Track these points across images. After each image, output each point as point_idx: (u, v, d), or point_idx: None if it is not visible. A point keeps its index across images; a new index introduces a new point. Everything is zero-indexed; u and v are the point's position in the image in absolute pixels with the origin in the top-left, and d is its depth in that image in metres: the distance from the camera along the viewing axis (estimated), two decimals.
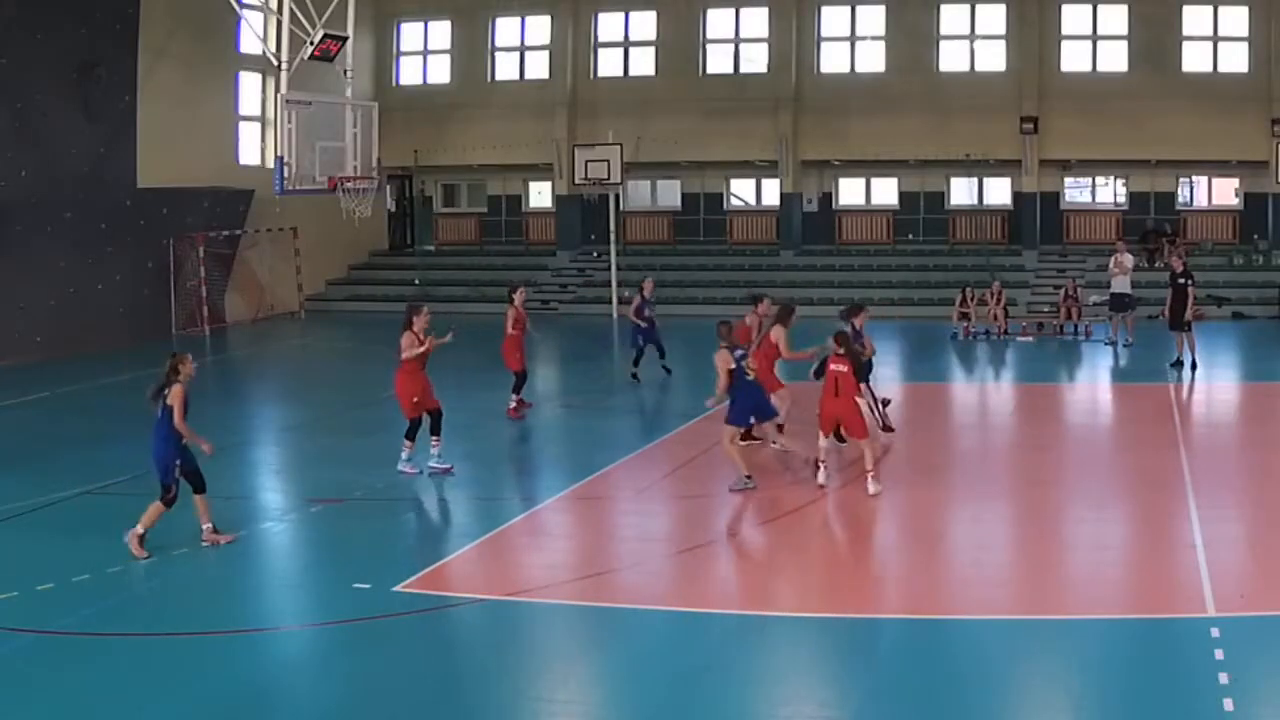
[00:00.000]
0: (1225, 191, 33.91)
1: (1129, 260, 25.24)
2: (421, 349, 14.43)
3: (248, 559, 11.88)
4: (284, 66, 22.51)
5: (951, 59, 33.72)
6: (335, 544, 12.13)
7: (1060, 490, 14.12)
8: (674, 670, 9.09)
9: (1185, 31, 32.07)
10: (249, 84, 32.26)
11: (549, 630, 10.01)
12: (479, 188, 38.98)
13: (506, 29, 36.64)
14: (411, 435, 14.58)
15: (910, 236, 35.10)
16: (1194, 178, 34.06)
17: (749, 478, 13.70)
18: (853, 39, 34.53)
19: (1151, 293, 27.94)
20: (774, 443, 15.33)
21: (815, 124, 34.21)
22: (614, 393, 21.14)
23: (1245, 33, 31.64)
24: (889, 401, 18.28)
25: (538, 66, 36.19)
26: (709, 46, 35.30)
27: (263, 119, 32.42)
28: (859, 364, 14.06)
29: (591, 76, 35.77)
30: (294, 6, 22.40)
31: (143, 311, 28.16)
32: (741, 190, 37.18)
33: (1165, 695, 8.27)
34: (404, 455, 14.62)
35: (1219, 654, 8.75)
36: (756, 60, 34.96)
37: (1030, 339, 26.85)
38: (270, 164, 26.22)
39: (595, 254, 35.34)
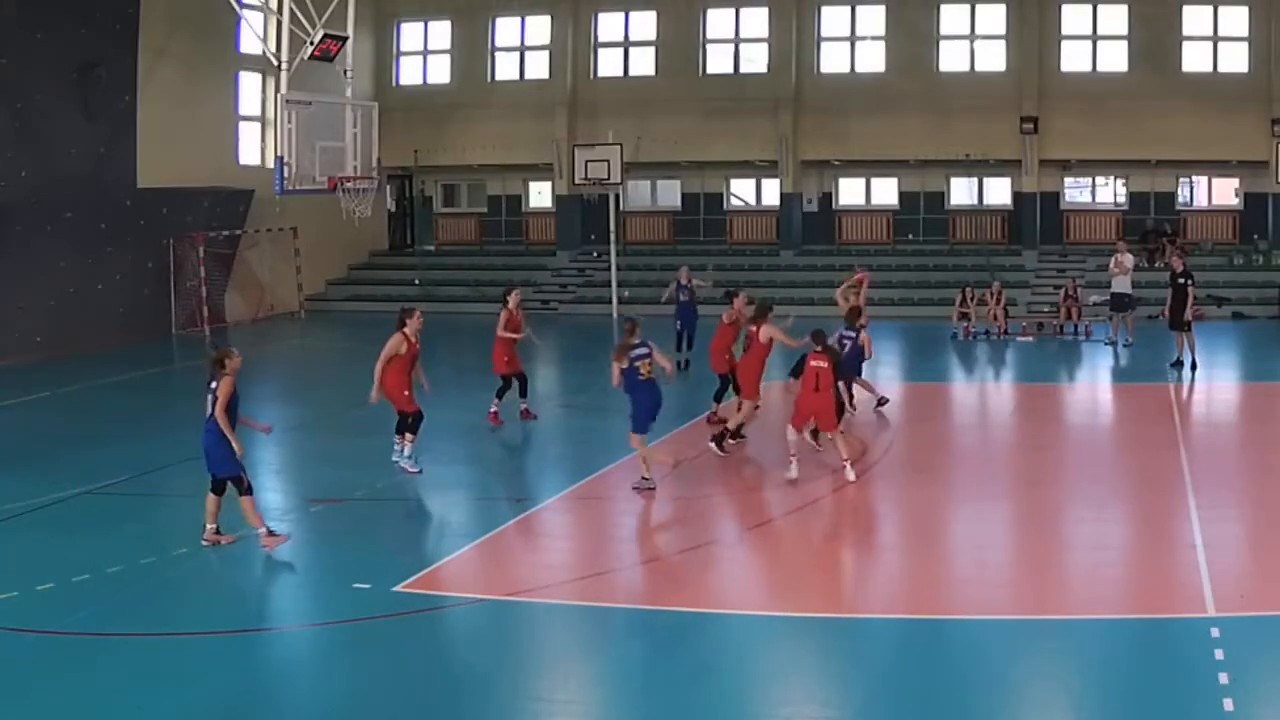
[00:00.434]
0: (1225, 191, 33.91)
1: (1129, 260, 25.24)
2: (405, 352, 14.32)
3: (248, 559, 11.88)
4: (284, 66, 22.50)
5: (951, 59, 33.72)
6: (335, 544, 12.12)
7: (1060, 490, 14.12)
8: (674, 670, 9.09)
9: (1185, 31, 32.06)
10: (249, 84, 32.25)
11: (548, 630, 10.02)
12: (479, 188, 38.98)
13: (506, 29, 36.64)
14: (413, 430, 14.52)
15: (910, 236, 35.10)
16: (1194, 178, 34.05)
17: (646, 479, 13.73)
18: (853, 39, 34.52)
19: (1151, 293, 27.94)
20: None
21: (815, 124, 34.21)
22: (613, 393, 21.09)
23: (1245, 33, 31.63)
24: (886, 400, 18.30)
25: (538, 66, 36.19)
26: (709, 46, 35.30)
27: (263, 119, 32.41)
28: (838, 361, 14.11)
29: (591, 76, 35.77)
30: (294, 6, 22.39)
31: (143, 311, 28.16)
32: (741, 190, 37.18)
33: (1165, 695, 8.27)
34: (405, 452, 14.58)
35: (1219, 654, 8.75)
36: (756, 60, 34.96)
37: (1030, 339, 26.85)
38: (270, 164, 26.21)
39: (595, 254, 35.34)
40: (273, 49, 24.15)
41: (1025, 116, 32.45)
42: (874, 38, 34.19)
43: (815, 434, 15.26)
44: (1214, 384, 21.27)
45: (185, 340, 28.61)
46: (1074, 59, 32.92)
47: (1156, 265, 30.43)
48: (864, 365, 17.77)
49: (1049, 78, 32.72)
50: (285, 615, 10.66)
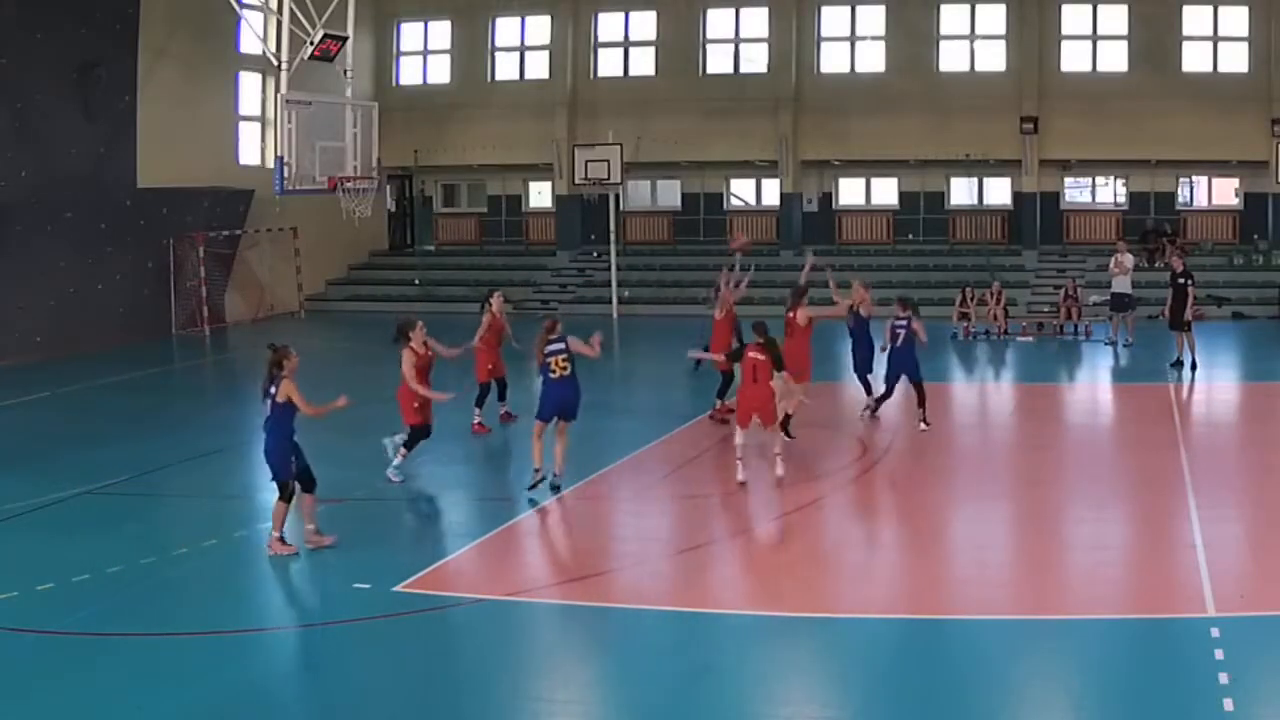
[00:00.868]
0: (1225, 191, 33.89)
1: (1129, 260, 25.24)
2: (422, 359, 14.24)
3: (248, 559, 11.88)
4: (284, 66, 22.51)
5: (951, 59, 33.70)
6: (335, 544, 12.10)
7: (1060, 490, 14.12)
8: (674, 670, 9.09)
9: (1185, 31, 32.04)
10: (249, 84, 32.24)
11: (549, 630, 10.02)
12: (479, 188, 38.96)
13: (506, 29, 36.62)
14: (410, 445, 14.36)
15: (910, 236, 35.08)
16: (1194, 178, 34.03)
17: (538, 470, 13.69)
18: (853, 39, 34.51)
19: (1151, 293, 27.93)
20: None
21: (815, 124, 34.19)
22: (613, 393, 21.15)
23: (1245, 33, 31.62)
24: (887, 398, 18.21)
25: (538, 66, 36.18)
26: (709, 46, 35.28)
27: (263, 119, 32.41)
28: (777, 354, 14.12)
29: (591, 76, 35.75)
30: (294, 6, 22.40)
31: (143, 311, 28.16)
32: (741, 190, 37.17)
33: (1165, 695, 8.27)
34: (396, 462, 14.32)
35: (1219, 654, 8.75)
36: (756, 60, 34.94)
37: (1030, 339, 26.85)
38: (270, 164, 26.21)
39: (595, 254, 35.33)
40: (273, 49, 24.16)
41: (1025, 116, 32.44)
42: (874, 38, 34.17)
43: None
44: (1214, 384, 21.27)
45: (185, 340, 28.63)
46: (1074, 59, 32.91)
47: (1156, 265, 30.41)
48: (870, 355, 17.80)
49: (1049, 78, 32.71)
50: (285, 615, 10.66)
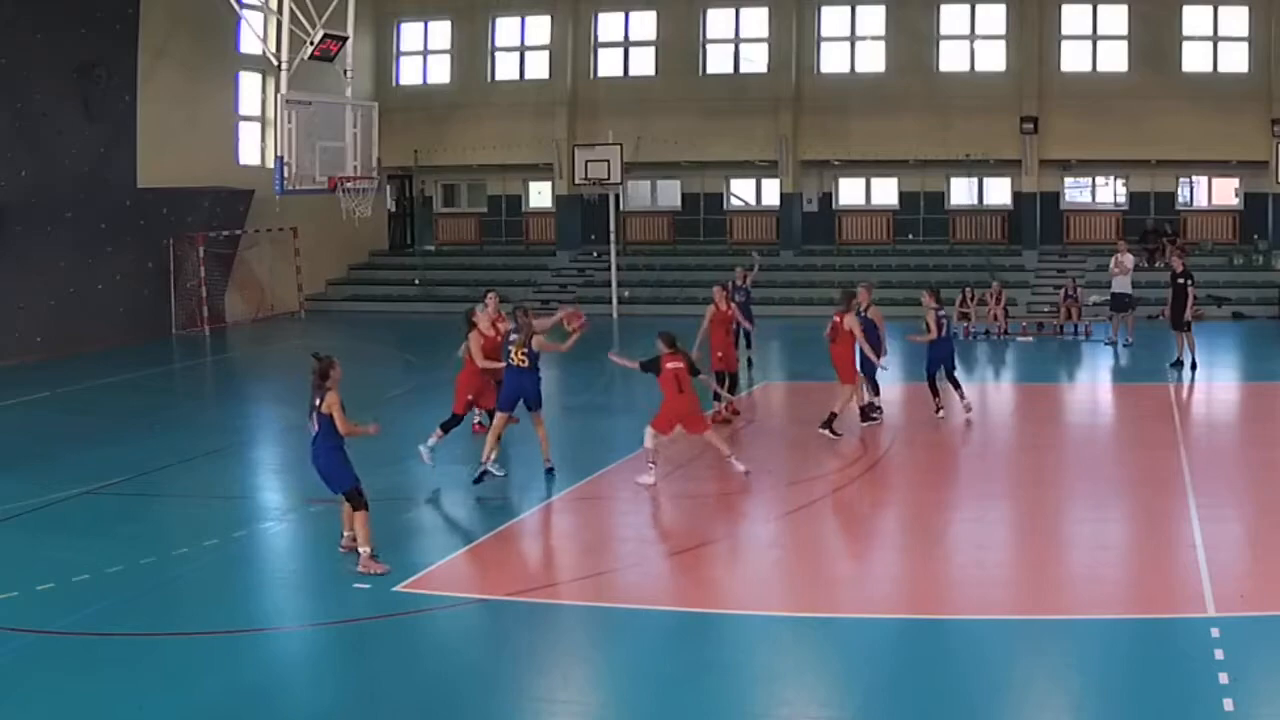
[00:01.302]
0: (1225, 191, 33.90)
1: (1129, 260, 25.25)
2: (490, 341, 14.66)
3: (248, 559, 11.89)
4: (284, 66, 22.52)
5: (951, 59, 33.70)
6: (335, 544, 12.10)
7: (1060, 490, 14.12)
8: (674, 670, 9.09)
9: (1185, 31, 32.04)
10: (249, 84, 32.26)
11: (549, 630, 10.01)
12: (479, 188, 38.96)
13: (506, 29, 36.62)
14: (448, 427, 14.73)
15: (910, 236, 35.09)
16: (1194, 178, 34.03)
17: (482, 464, 13.95)
18: (853, 39, 34.51)
19: (1151, 293, 27.95)
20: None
21: (815, 124, 34.19)
22: (613, 393, 21.15)
23: (1245, 33, 31.63)
24: (936, 392, 18.09)
25: (538, 66, 36.18)
26: (709, 46, 35.29)
27: (263, 119, 32.42)
28: (690, 361, 14.27)
29: (591, 76, 35.76)
30: (294, 6, 22.41)
31: (143, 311, 28.16)
32: (741, 190, 37.17)
33: (1165, 695, 8.27)
34: (431, 442, 14.67)
35: (1219, 654, 8.75)
36: (756, 60, 34.95)
37: (1030, 339, 26.86)
38: (270, 164, 26.23)
39: (595, 254, 35.34)
40: (273, 49, 24.16)
41: (1025, 116, 32.45)
42: (874, 38, 34.17)
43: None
44: (1214, 384, 21.27)
45: (185, 340, 28.64)
46: (1074, 59, 32.91)
47: (1156, 265, 30.42)
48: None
49: (1049, 78, 32.71)
50: (285, 615, 10.65)
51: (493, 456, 14.02)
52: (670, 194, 37.37)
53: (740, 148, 34.37)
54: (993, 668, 8.98)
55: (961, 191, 35.18)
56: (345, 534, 11.54)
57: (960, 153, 32.53)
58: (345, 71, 23.56)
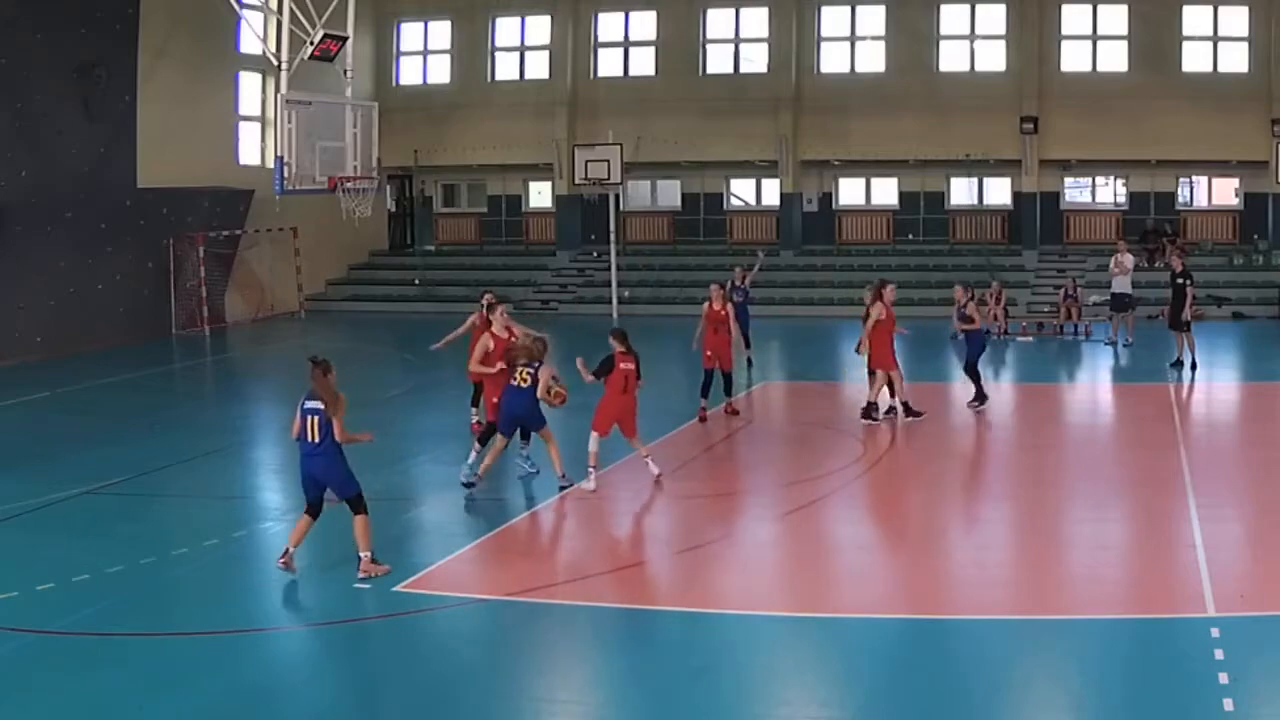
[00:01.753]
0: (1225, 191, 33.90)
1: (1129, 260, 25.25)
2: (493, 355, 14.35)
3: (248, 559, 11.88)
4: (284, 66, 22.50)
5: (951, 59, 33.71)
6: (335, 544, 12.10)
7: (1060, 490, 14.12)
8: (674, 670, 9.09)
9: (1185, 31, 32.06)
10: (249, 84, 32.26)
11: (549, 630, 10.00)
12: (479, 188, 38.95)
13: (506, 29, 36.63)
14: (485, 439, 14.27)
15: (910, 236, 35.09)
16: (1194, 178, 34.04)
17: (482, 475, 13.84)
18: (853, 39, 34.52)
19: (1151, 293, 27.95)
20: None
21: (815, 124, 34.19)
22: None
23: (1245, 33, 31.64)
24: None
25: (538, 66, 36.19)
26: (709, 46, 35.30)
27: (263, 119, 32.42)
28: (637, 362, 14.33)
29: (591, 76, 35.76)
30: (294, 6, 22.38)
31: (143, 311, 28.16)
32: (741, 190, 37.17)
33: (1165, 695, 8.27)
34: (470, 460, 14.16)
35: (1219, 654, 8.75)
36: (756, 60, 34.96)
37: (1030, 339, 26.85)
38: (270, 164, 26.21)
39: (595, 254, 35.34)
40: (273, 49, 24.14)
41: (1025, 116, 32.45)
42: (874, 38, 34.18)
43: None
44: (1214, 384, 21.27)
45: (185, 340, 28.63)
46: (1074, 59, 32.92)
47: (1156, 265, 30.43)
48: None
49: (1049, 78, 32.72)
50: (285, 615, 10.65)
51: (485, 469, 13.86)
52: (670, 194, 37.37)
53: (740, 148, 34.36)
54: (993, 668, 8.98)
55: (961, 191, 35.19)
56: (290, 548, 11.09)
57: (960, 153, 32.53)
58: (345, 71, 23.55)
